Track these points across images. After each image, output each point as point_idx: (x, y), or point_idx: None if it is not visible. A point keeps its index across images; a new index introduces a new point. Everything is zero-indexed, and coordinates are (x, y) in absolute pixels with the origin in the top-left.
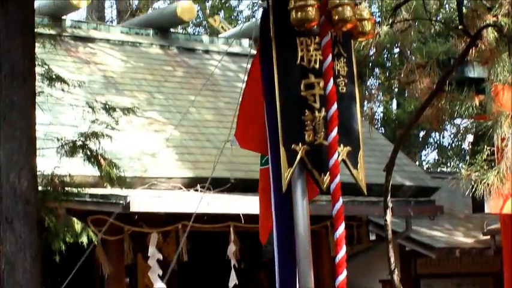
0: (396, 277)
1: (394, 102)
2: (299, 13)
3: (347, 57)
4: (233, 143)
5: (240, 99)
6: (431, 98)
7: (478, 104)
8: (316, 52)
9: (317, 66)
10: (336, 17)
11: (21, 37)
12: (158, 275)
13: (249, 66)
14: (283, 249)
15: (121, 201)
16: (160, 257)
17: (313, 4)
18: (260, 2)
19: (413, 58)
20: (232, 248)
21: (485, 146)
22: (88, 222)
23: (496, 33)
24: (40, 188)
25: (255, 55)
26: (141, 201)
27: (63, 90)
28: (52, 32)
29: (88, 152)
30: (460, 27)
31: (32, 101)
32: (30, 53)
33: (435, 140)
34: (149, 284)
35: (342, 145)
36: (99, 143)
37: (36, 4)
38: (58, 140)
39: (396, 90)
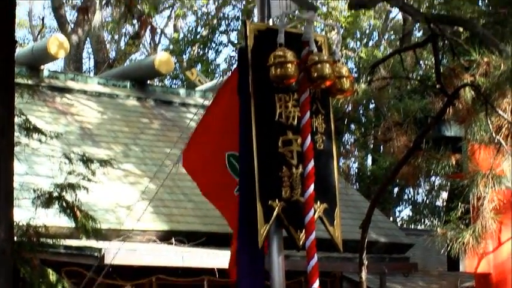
0: None
1: (369, 158)
2: (278, 69)
3: (325, 114)
4: (179, 159)
5: (200, 118)
6: (408, 156)
7: (454, 162)
8: (294, 109)
9: (295, 122)
10: (315, 74)
11: (1, 87)
12: None
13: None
14: None
15: (95, 254)
16: None
17: (292, 61)
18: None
19: (390, 115)
20: None
21: (460, 204)
22: (62, 274)
23: (473, 93)
24: (15, 238)
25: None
26: (115, 253)
27: (39, 140)
28: (30, 82)
29: (64, 203)
30: (437, 86)
31: (10, 153)
32: (10, 104)
33: (409, 197)
34: None
35: (318, 202)
36: (75, 194)
37: (15, 55)
38: (34, 190)
39: (371, 146)
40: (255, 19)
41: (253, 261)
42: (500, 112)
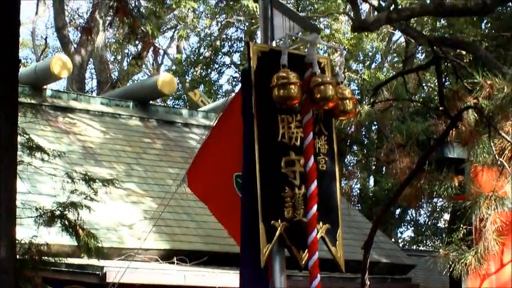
0: None
1: (371, 179)
2: (281, 91)
3: (328, 136)
4: (184, 181)
5: (204, 141)
6: (411, 178)
7: (457, 184)
8: (297, 130)
9: (298, 143)
10: (318, 96)
11: (4, 107)
12: None
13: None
14: None
15: (97, 272)
16: None
17: (295, 82)
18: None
19: (393, 137)
20: None
21: (462, 225)
22: None
23: (476, 115)
24: (18, 256)
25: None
26: (117, 272)
27: (42, 159)
28: (33, 101)
29: (66, 222)
30: (440, 108)
31: (13, 171)
32: (13, 123)
33: (411, 218)
34: None
35: (321, 222)
36: (77, 213)
37: (18, 74)
38: (36, 209)
39: (373, 167)
40: (258, 41)
41: (256, 282)
42: (503, 134)
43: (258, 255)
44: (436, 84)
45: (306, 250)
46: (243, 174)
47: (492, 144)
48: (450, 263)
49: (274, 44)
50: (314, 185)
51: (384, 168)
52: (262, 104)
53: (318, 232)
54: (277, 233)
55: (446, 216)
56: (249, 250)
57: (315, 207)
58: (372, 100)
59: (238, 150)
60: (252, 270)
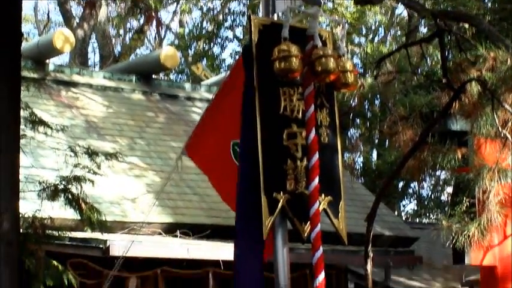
0: None
1: (375, 152)
2: (282, 63)
3: (329, 108)
4: (183, 153)
5: (205, 111)
6: (414, 150)
7: (460, 156)
8: (299, 102)
9: (300, 116)
10: (319, 68)
11: (7, 82)
12: None
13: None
14: None
15: (101, 245)
16: None
17: (296, 55)
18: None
19: (396, 109)
20: None
21: (465, 198)
22: (67, 266)
23: (479, 87)
24: (21, 230)
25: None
26: (120, 245)
27: (45, 134)
28: (35, 75)
29: (69, 196)
30: (443, 80)
31: (16, 145)
32: (16, 97)
33: (414, 191)
34: None
35: (323, 194)
36: (81, 187)
37: (21, 48)
38: (39, 183)
39: (376, 140)
40: (260, 14)
41: (250, 254)
42: (507, 106)
43: (253, 226)
44: (439, 57)
45: (308, 222)
46: (241, 145)
47: (495, 116)
48: (453, 234)
49: (275, 17)
50: (316, 158)
51: (387, 140)
52: (263, 77)
53: (320, 204)
54: (280, 205)
55: (449, 189)
56: (244, 221)
57: (316, 180)
58: (375, 73)
59: (237, 119)
60: (247, 242)
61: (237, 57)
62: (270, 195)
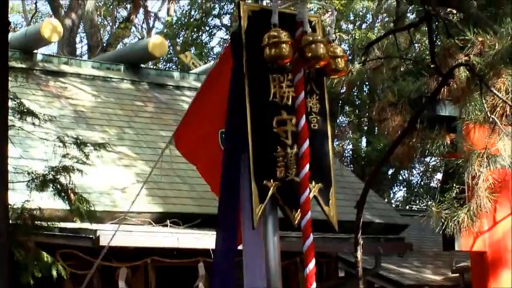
0: None
1: (364, 140)
2: (273, 50)
3: (319, 95)
4: (171, 143)
5: (192, 101)
6: (403, 136)
7: (449, 142)
8: (288, 89)
9: (289, 103)
10: (309, 54)
11: None
12: None
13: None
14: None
15: (90, 236)
16: None
17: (286, 41)
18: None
19: (384, 95)
20: (200, 284)
21: (455, 185)
22: (57, 256)
23: (468, 72)
24: (10, 221)
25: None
26: (110, 235)
27: (33, 124)
28: (23, 65)
29: (58, 186)
30: (432, 66)
31: (3, 135)
32: (3, 86)
33: (404, 178)
34: None
35: (313, 182)
36: (69, 177)
37: (8, 37)
38: (28, 173)
39: (366, 128)
40: (249, 0)
41: (227, 241)
42: (495, 91)
43: (232, 215)
44: (428, 43)
45: (299, 210)
46: (226, 131)
47: (484, 101)
48: (443, 221)
49: (264, 3)
50: (306, 144)
51: (376, 127)
52: (253, 63)
53: (310, 191)
54: (270, 193)
55: (439, 176)
56: (226, 209)
57: (307, 167)
58: (363, 58)
59: (224, 108)
60: (224, 231)
61: (225, 45)
62: (260, 182)
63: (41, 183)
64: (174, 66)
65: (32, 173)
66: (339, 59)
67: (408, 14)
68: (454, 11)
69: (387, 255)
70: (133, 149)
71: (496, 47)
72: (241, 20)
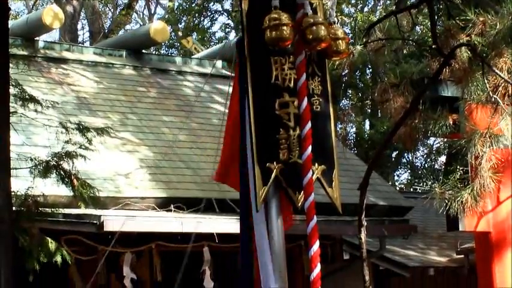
0: None
1: (367, 123)
2: (273, 32)
3: (321, 77)
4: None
5: (223, 135)
6: (405, 117)
7: (451, 122)
8: (290, 71)
9: (291, 85)
10: (311, 36)
11: None
12: None
13: (228, 89)
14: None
15: (95, 221)
16: (134, 276)
17: (287, 23)
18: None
19: (387, 78)
20: (206, 268)
21: (458, 166)
22: (61, 242)
23: (469, 53)
24: (14, 208)
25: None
26: (114, 221)
27: (36, 111)
28: (25, 52)
29: (61, 172)
30: (433, 46)
31: (5, 121)
32: (5, 73)
33: (408, 161)
34: None
35: (316, 164)
36: (73, 163)
37: (9, 25)
38: (31, 160)
39: (369, 111)
40: None
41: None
42: (497, 71)
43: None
44: (429, 25)
45: (302, 192)
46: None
47: (486, 81)
48: (446, 201)
49: None
50: (308, 126)
51: (379, 110)
52: (254, 46)
53: (313, 173)
54: (273, 175)
55: (443, 158)
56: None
57: (309, 149)
58: (364, 40)
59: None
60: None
61: (227, 30)
62: (263, 165)
63: (44, 169)
64: (176, 52)
65: (35, 159)
66: (340, 41)
67: None
68: None
69: (392, 238)
70: (137, 135)
71: (497, 27)
72: (242, 3)
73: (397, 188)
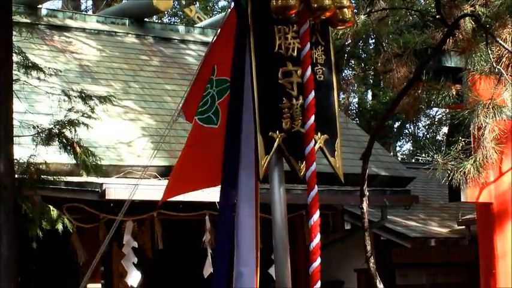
0: (372, 265)
1: (369, 93)
2: (279, 1)
3: (325, 46)
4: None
5: (196, 74)
6: (408, 87)
7: (454, 93)
8: (294, 40)
9: (295, 54)
10: (315, 5)
11: None
12: (133, 262)
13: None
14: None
15: (97, 189)
16: (136, 244)
17: None
18: None
19: (390, 48)
20: (207, 237)
21: (461, 137)
22: (63, 210)
23: (473, 23)
24: (16, 175)
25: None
26: (116, 189)
27: (38, 78)
28: (28, 20)
29: (64, 140)
30: (437, 16)
31: (8, 89)
32: (7, 41)
33: (410, 131)
34: (124, 272)
35: (319, 133)
36: (75, 131)
37: None
38: (34, 128)
39: (371, 81)
40: None
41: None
42: (501, 42)
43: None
44: None
45: (304, 161)
46: (231, 87)
47: (490, 52)
48: (449, 172)
49: None
50: (311, 96)
51: (382, 80)
52: (258, 15)
53: (316, 143)
54: (276, 144)
55: (445, 129)
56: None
57: (312, 118)
58: (368, 10)
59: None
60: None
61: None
62: (265, 134)
63: (47, 137)
64: (179, 21)
65: (38, 127)
66: (345, 9)
67: None
68: None
69: (393, 208)
70: (139, 103)
71: None
72: None
73: (399, 159)
